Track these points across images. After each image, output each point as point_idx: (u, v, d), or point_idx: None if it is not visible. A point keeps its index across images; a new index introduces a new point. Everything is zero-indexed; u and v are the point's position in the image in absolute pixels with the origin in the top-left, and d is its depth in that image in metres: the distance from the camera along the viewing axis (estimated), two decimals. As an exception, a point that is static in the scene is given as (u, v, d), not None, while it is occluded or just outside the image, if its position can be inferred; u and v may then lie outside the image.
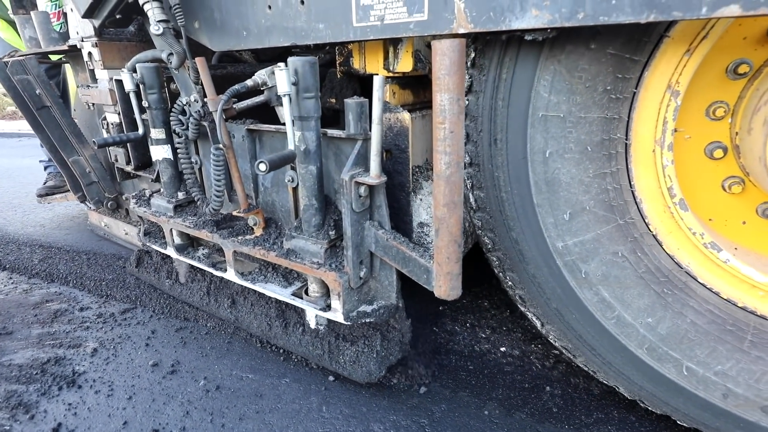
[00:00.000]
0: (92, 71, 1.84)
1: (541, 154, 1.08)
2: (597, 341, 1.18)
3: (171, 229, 1.67)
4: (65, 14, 2.00)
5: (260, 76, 1.36)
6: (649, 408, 1.22)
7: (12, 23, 2.51)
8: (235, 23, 1.39)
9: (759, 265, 1.09)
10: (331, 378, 1.48)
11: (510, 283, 1.30)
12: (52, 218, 3.16)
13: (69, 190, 2.52)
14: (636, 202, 1.09)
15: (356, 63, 1.40)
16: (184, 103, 1.54)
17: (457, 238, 1.07)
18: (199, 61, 1.25)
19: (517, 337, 1.71)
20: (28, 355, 1.64)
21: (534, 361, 1.58)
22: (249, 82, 1.34)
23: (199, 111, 1.51)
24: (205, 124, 1.52)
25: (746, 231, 1.18)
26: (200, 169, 1.69)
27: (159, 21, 1.40)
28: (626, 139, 1.04)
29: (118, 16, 1.49)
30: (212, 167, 1.35)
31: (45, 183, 2.94)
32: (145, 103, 1.58)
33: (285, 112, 1.15)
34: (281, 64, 1.10)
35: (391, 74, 1.34)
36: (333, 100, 1.88)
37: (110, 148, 1.99)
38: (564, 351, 1.31)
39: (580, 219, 1.10)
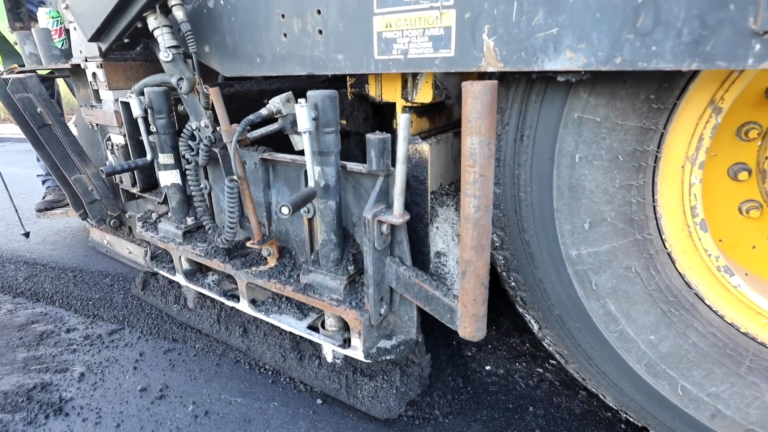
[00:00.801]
0: (96, 91, 1.79)
1: (569, 158, 1.04)
2: (596, 352, 1.18)
3: (180, 257, 1.63)
4: (67, 31, 1.95)
5: (274, 104, 1.32)
6: (631, 419, 1.23)
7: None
8: (248, 49, 1.35)
9: (766, 292, 1.08)
10: (319, 401, 1.46)
11: (513, 284, 1.29)
12: (37, 231, 3.09)
13: (69, 205, 2.47)
14: (656, 218, 1.06)
15: (372, 90, 1.36)
16: (194, 128, 1.50)
17: (484, 280, 1.05)
18: (213, 92, 1.21)
19: (503, 355, 1.70)
20: (14, 381, 1.61)
21: (518, 380, 1.58)
22: (263, 112, 1.30)
23: (209, 137, 1.47)
24: (216, 150, 1.48)
25: (755, 256, 1.17)
26: (209, 194, 1.65)
27: (169, 47, 1.36)
28: (657, 152, 1.00)
29: (126, 40, 1.44)
30: (226, 198, 1.32)
31: (44, 197, 2.88)
32: (153, 128, 1.54)
33: (305, 148, 1.11)
34: (302, 101, 1.07)
35: (409, 104, 1.30)
36: (344, 122, 1.85)
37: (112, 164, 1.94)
38: (557, 355, 1.31)
39: (598, 229, 1.07)
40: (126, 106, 1.67)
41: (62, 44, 1.92)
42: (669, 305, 1.08)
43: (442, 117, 1.57)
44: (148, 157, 1.60)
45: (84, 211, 2.29)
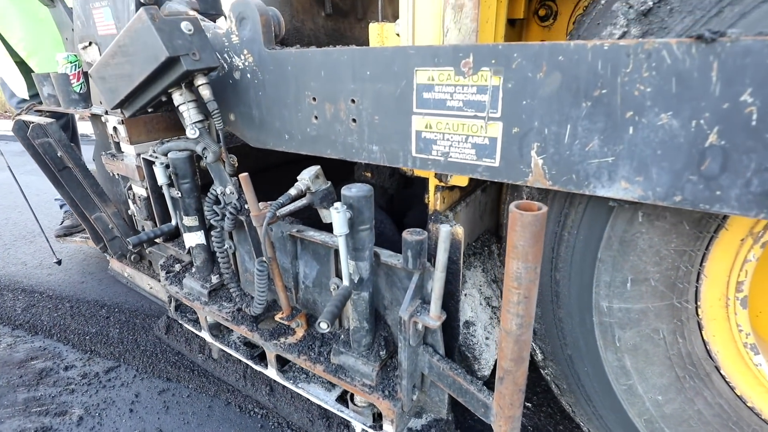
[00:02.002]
0: (117, 144, 1.76)
1: (630, 212, 1.00)
2: (598, 397, 1.19)
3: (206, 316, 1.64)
4: (85, 74, 1.91)
5: (303, 182, 1.30)
6: None
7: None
8: (276, 124, 1.31)
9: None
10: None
11: None
12: (33, 253, 3.10)
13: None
14: (697, 284, 1.03)
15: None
16: (219, 192, 1.48)
17: (522, 387, 1.04)
18: (243, 179, 1.18)
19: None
20: (15, 425, 1.65)
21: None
22: (292, 192, 1.27)
23: (235, 205, 1.45)
24: (243, 218, 1.46)
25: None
26: (233, 254, 1.64)
27: (195, 122, 1.32)
28: (723, 222, 0.95)
29: (149, 110, 1.41)
30: (256, 277, 1.31)
31: (62, 223, 2.89)
32: (177, 193, 1.52)
33: (341, 248, 1.09)
34: (338, 206, 1.04)
35: (442, 184, 1.27)
36: (368, 174, 1.82)
37: (136, 216, 1.93)
38: (554, 386, 1.33)
39: (638, 288, 1.05)
40: (148, 162, 1.65)
41: (80, 88, 1.88)
42: (685, 371, 1.08)
43: (471, 182, 1.53)
44: (173, 222, 1.58)
45: (104, 244, 2.30)
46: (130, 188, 1.86)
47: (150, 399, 1.75)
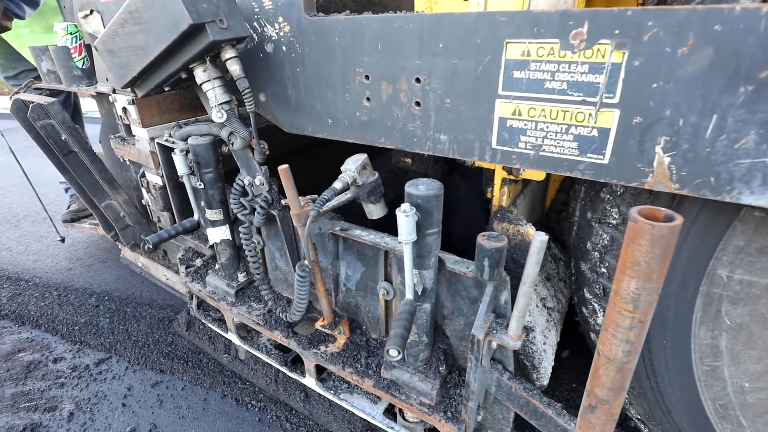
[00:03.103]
0: (127, 126, 1.57)
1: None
2: (669, 374, 1.10)
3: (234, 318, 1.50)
4: (88, 47, 1.70)
5: (348, 174, 1.13)
6: None
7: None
8: (317, 107, 1.13)
9: None
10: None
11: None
12: (18, 238, 2.97)
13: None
14: None
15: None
16: (246, 183, 1.31)
17: (615, 417, 0.90)
18: (283, 172, 1.01)
19: None
20: (3, 422, 1.57)
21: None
22: (337, 185, 1.10)
23: (266, 197, 1.28)
24: (275, 213, 1.29)
25: None
26: (262, 250, 1.49)
27: (222, 103, 1.13)
28: None
29: (166, 89, 1.22)
30: (296, 283, 1.16)
31: (68, 207, 2.73)
32: (199, 183, 1.35)
33: (405, 257, 0.93)
34: (405, 208, 0.87)
35: (512, 177, 1.10)
36: (408, 160, 1.64)
37: (151, 207, 1.77)
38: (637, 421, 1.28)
39: None
40: (164, 148, 1.47)
41: (83, 63, 1.68)
42: None
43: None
44: (195, 216, 1.42)
45: (115, 233, 2.15)
46: (144, 175, 1.68)
47: (143, 392, 1.67)
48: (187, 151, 1.31)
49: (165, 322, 2.10)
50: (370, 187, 1.16)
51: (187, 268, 1.68)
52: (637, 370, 1.16)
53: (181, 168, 1.29)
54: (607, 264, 1.11)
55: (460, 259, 1.03)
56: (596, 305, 1.19)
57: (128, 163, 1.82)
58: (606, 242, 1.10)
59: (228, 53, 1.04)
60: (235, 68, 1.05)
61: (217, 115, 1.13)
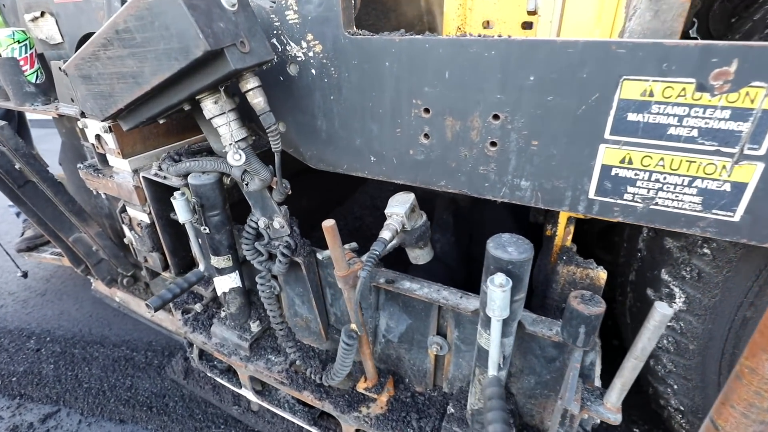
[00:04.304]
0: (102, 156, 1.31)
1: None
2: None
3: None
4: (41, 56, 1.40)
5: (396, 220, 0.96)
6: None
7: None
8: (356, 142, 0.94)
9: None
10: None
11: None
12: None
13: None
14: None
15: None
16: (262, 226, 1.11)
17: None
18: (328, 230, 0.83)
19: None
20: None
21: None
22: (386, 234, 0.94)
23: (288, 243, 1.09)
24: (300, 260, 1.10)
25: None
26: (278, 296, 1.30)
27: (239, 141, 0.93)
28: None
29: (161, 121, 0.99)
30: (341, 351, 0.99)
31: (23, 234, 2.36)
32: (204, 229, 1.13)
33: (492, 334, 0.78)
34: (502, 280, 0.72)
35: (581, 216, 0.97)
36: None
37: (135, 246, 1.51)
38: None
39: None
40: (150, 183, 1.23)
41: (36, 77, 1.38)
42: None
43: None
44: (201, 267, 1.20)
45: (86, 267, 1.87)
46: (125, 210, 1.42)
47: None
48: (181, 175, 1.09)
49: (121, 363, 1.82)
50: (419, 231, 1.00)
51: (184, 314, 1.46)
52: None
53: (183, 215, 1.07)
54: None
55: (539, 318, 0.90)
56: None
57: (102, 195, 1.55)
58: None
59: (250, 83, 0.83)
60: (258, 100, 0.85)
61: (234, 157, 0.92)
